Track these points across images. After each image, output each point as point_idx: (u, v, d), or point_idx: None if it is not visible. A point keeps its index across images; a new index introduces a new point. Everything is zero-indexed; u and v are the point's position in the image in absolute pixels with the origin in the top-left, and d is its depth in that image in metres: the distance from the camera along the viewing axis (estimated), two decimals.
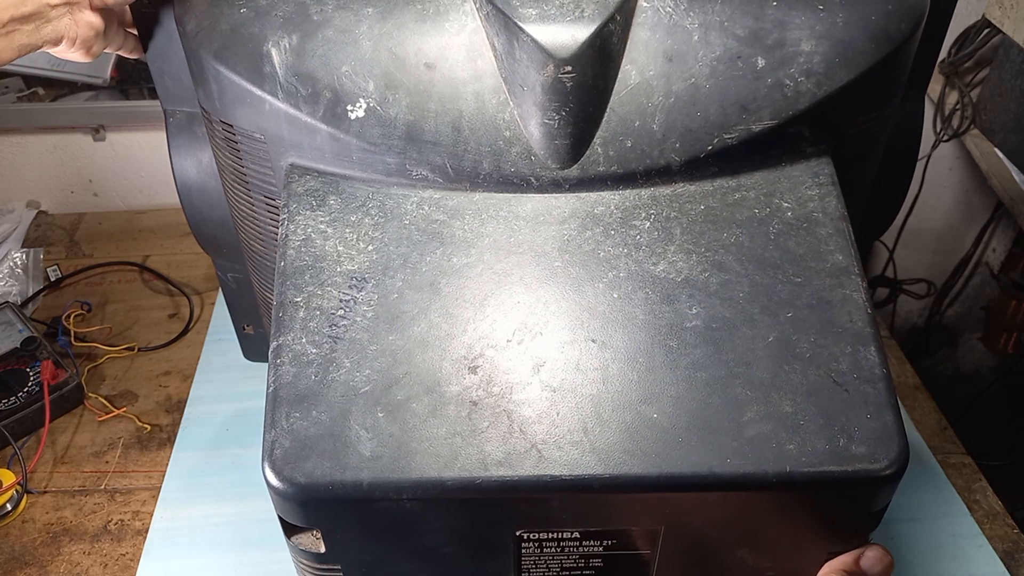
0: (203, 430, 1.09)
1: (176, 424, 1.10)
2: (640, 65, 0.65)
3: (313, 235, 0.63)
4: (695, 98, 0.65)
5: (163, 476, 1.02)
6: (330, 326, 0.56)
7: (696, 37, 0.66)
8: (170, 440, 1.09)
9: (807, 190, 0.66)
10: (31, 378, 1.13)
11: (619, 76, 0.65)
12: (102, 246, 1.47)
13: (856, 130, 0.71)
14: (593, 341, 0.55)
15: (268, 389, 0.54)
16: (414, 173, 0.66)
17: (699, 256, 0.61)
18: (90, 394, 1.17)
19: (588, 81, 0.63)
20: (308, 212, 0.65)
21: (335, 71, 0.65)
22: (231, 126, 0.71)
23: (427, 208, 0.65)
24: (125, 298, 1.35)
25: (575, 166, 0.65)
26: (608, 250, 0.62)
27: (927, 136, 1.57)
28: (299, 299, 0.58)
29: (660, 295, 0.58)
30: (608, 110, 0.65)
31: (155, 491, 1.00)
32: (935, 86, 1.55)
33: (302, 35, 0.66)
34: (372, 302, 0.58)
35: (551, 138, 0.64)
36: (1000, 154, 1.43)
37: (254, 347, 1.05)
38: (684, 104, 0.65)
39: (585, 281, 0.60)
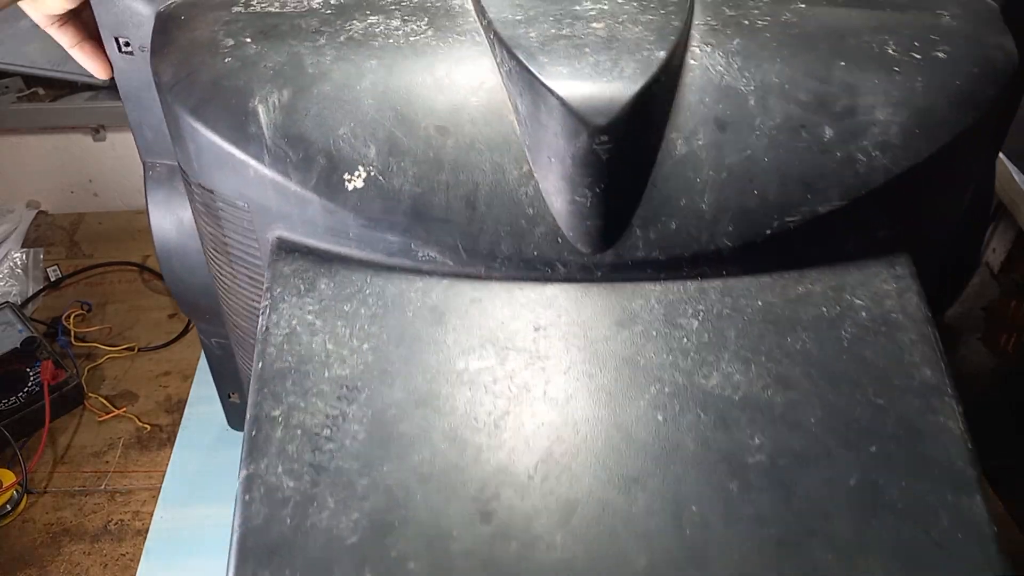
0: (203, 430, 1.08)
1: (176, 424, 1.11)
2: (687, 133, 0.56)
3: (299, 328, 0.53)
4: (751, 173, 0.55)
5: (163, 476, 1.02)
6: (313, 451, 0.46)
7: (752, 102, 0.56)
8: (170, 440, 1.08)
9: (883, 284, 0.56)
10: (31, 378, 1.13)
11: (663, 146, 0.56)
12: (102, 246, 1.49)
13: (936, 209, 0.61)
14: (635, 481, 0.45)
15: (232, 533, 0.44)
16: (420, 255, 0.56)
17: (759, 367, 0.51)
18: (90, 394, 1.16)
19: (627, 152, 0.54)
20: (294, 299, 0.55)
21: (331, 133, 0.56)
22: (211, 191, 0.62)
23: (434, 297, 0.55)
24: (125, 298, 1.35)
25: (610, 251, 0.55)
26: (650, 356, 0.52)
27: None
28: (277, 413, 0.48)
29: (714, 418, 0.48)
30: (649, 186, 0.55)
31: (155, 491, 1.00)
32: None
33: (295, 90, 0.57)
34: (365, 419, 0.48)
35: (582, 218, 0.54)
36: (1000, 154, 1.42)
37: (240, 416, 0.96)
38: (738, 180, 0.55)
39: (623, 397, 0.49)
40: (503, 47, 0.56)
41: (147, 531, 0.95)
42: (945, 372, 0.51)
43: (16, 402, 1.10)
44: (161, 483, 1.01)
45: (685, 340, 0.52)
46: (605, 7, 0.60)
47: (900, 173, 0.56)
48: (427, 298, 0.55)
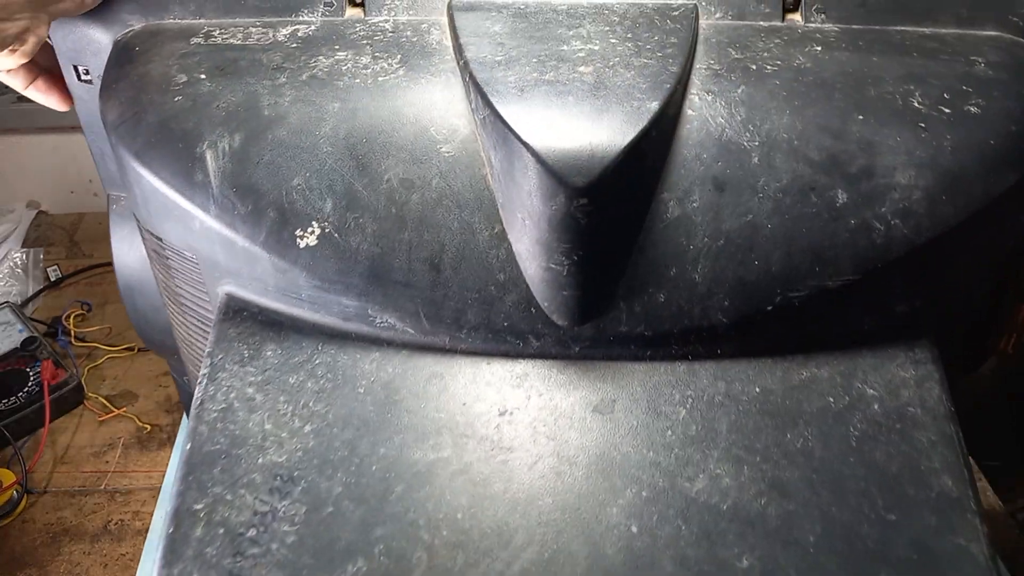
0: None
1: (176, 424, 1.09)
2: (681, 194, 0.50)
3: (236, 404, 0.48)
4: (752, 241, 0.49)
5: (163, 476, 1.01)
6: (234, 555, 0.41)
7: (756, 159, 0.50)
8: (170, 440, 1.07)
9: (899, 370, 0.49)
10: (31, 378, 1.12)
11: (652, 208, 0.49)
12: (102, 246, 1.48)
13: (965, 284, 0.54)
14: None
15: None
16: (378, 321, 0.50)
17: (752, 469, 0.44)
18: (90, 394, 1.15)
19: (610, 216, 0.48)
20: (236, 367, 0.49)
21: (284, 184, 0.50)
22: (159, 239, 0.57)
23: (390, 371, 0.49)
24: None
25: (588, 325, 0.49)
26: (628, 451, 0.45)
27: None
28: (200, 507, 0.43)
29: (697, 531, 0.42)
30: (635, 253, 0.49)
31: (155, 491, 0.99)
32: None
33: (247, 135, 0.51)
34: (297, 518, 0.42)
35: (558, 287, 0.48)
36: None
37: None
38: (737, 248, 0.49)
39: (593, 501, 0.43)
40: (478, 92, 0.50)
41: (147, 531, 0.93)
42: (968, 482, 0.44)
43: (16, 402, 1.10)
44: (161, 483, 1.00)
45: (669, 433, 0.46)
46: (596, 48, 0.54)
47: (923, 244, 0.50)
48: (382, 371, 0.49)
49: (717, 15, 0.60)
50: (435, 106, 0.53)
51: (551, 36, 0.55)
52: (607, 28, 0.56)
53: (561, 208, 0.47)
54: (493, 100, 0.49)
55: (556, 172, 0.46)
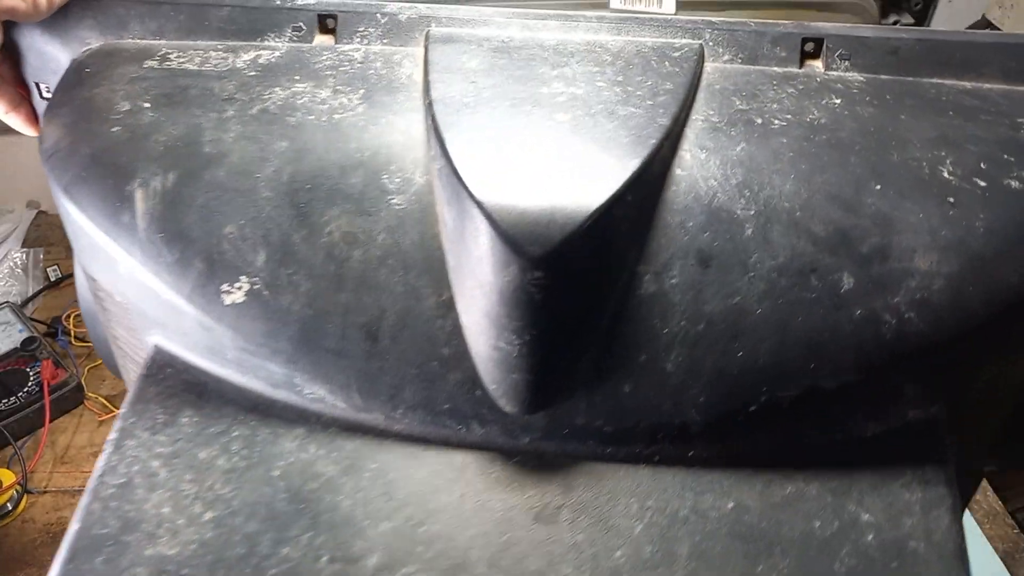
0: None
1: None
2: (659, 267, 0.43)
3: (138, 480, 0.42)
4: (738, 328, 0.42)
5: None
6: None
7: (750, 231, 0.43)
8: None
9: (904, 491, 0.42)
10: (31, 378, 1.13)
11: (624, 282, 0.43)
12: None
13: (990, 387, 0.46)
14: None
15: None
16: (306, 391, 0.45)
17: None
18: (90, 394, 1.16)
19: (571, 291, 0.41)
20: (146, 434, 0.44)
21: (215, 231, 0.45)
22: (92, 278, 0.52)
23: (312, 452, 0.44)
24: None
25: (540, 413, 0.43)
26: (568, 572, 0.39)
27: None
28: None
29: None
30: (600, 334, 0.42)
31: None
32: None
33: (182, 174, 0.47)
34: None
35: (507, 369, 0.42)
36: None
37: None
38: (720, 335, 0.42)
39: None
40: (437, 137, 0.45)
41: None
42: None
43: (16, 402, 1.10)
44: None
45: (619, 554, 0.39)
46: (579, 91, 0.48)
47: (942, 341, 0.42)
48: (303, 452, 0.44)
49: (725, 57, 0.53)
50: (391, 151, 0.47)
51: (532, 76, 0.49)
52: (596, 69, 0.50)
53: (514, 280, 0.40)
54: (449, 148, 0.43)
55: (509, 238, 0.40)
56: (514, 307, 0.41)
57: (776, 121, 0.48)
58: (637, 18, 0.54)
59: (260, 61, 0.53)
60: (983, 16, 1.36)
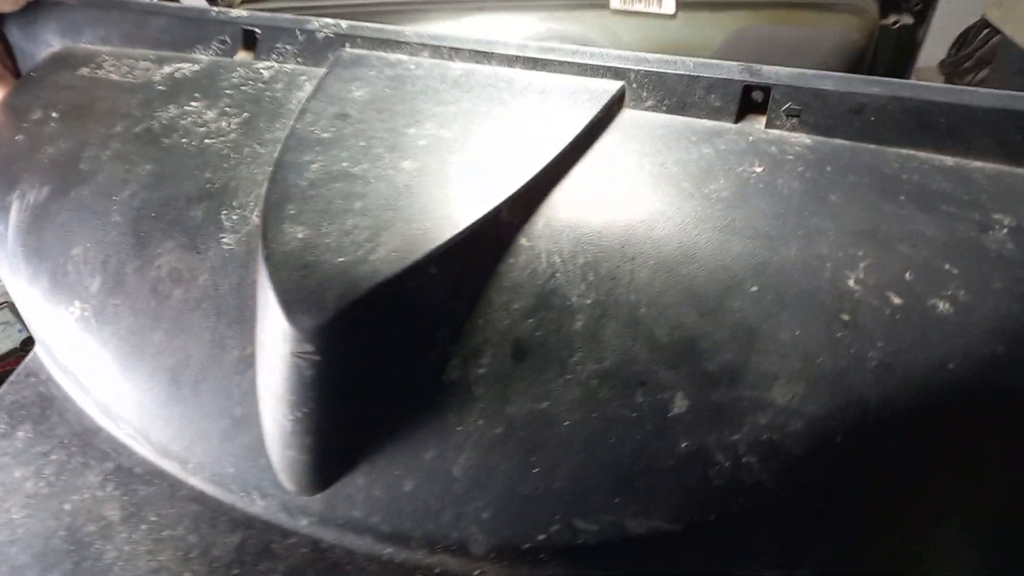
0: None
1: None
2: (468, 353, 0.37)
3: None
4: (539, 438, 0.35)
5: None
6: None
7: (580, 324, 0.36)
8: None
9: None
10: None
11: (422, 364, 0.37)
12: None
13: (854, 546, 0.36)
14: None
15: None
16: (121, 425, 0.44)
17: None
18: None
19: (349, 370, 0.36)
20: None
21: (64, 252, 0.45)
22: None
23: (108, 491, 0.42)
24: None
25: (319, 497, 0.39)
26: None
27: None
28: None
29: None
30: (385, 421, 0.37)
31: None
32: None
33: (55, 188, 0.47)
34: None
35: (283, 443, 0.38)
36: None
37: None
38: (516, 444, 0.36)
39: None
40: (270, 178, 0.41)
41: None
42: None
43: None
44: None
45: None
46: (448, 134, 0.42)
47: (786, 499, 0.33)
48: (100, 489, 0.42)
49: (648, 103, 0.45)
50: (240, 184, 0.44)
51: (410, 111, 0.44)
52: (484, 109, 0.44)
53: (289, 351, 0.36)
54: (268, 192, 0.40)
55: (284, 305, 0.36)
56: (288, 379, 0.37)
57: (665, 189, 0.39)
58: (567, 52, 0.47)
59: (176, 75, 0.52)
60: (983, 16, 1.31)
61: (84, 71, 0.54)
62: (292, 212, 0.38)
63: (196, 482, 0.41)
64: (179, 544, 0.40)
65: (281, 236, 0.37)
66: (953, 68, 1.56)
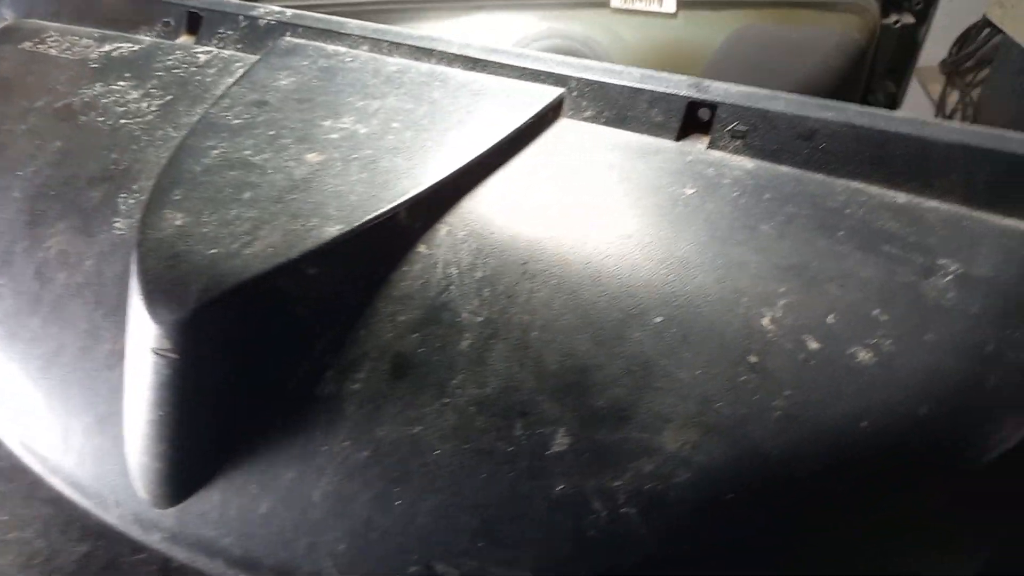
0: None
1: None
2: (345, 363, 0.34)
3: None
4: (406, 467, 0.32)
5: None
6: None
7: (467, 343, 0.32)
8: None
9: None
10: None
11: (299, 370, 0.34)
12: None
13: None
14: None
15: None
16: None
17: None
18: None
19: (210, 373, 0.33)
20: None
21: None
22: None
23: None
24: None
25: (174, 509, 0.35)
26: None
27: None
28: None
29: None
30: (246, 435, 0.34)
31: None
32: (935, 86, 1.52)
33: None
34: None
35: (140, 449, 0.35)
36: None
37: None
38: (381, 472, 0.32)
39: None
40: (168, 162, 0.38)
41: None
42: None
43: None
44: None
45: None
46: (364, 130, 0.39)
47: (664, 558, 0.29)
48: None
49: (588, 112, 0.41)
50: (144, 167, 0.41)
51: (332, 103, 0.41)
52: (411, 106, 0.41)
53: (148, 345, 0.33)
54: (160, 176, 0.37)
55: (146, 294, 0.33)
56: (146, 378, 0.33)
57: (584, 206, 0.36)
58: (510, 55, 0.44)
59: (114, 54, 0.50)
60: (984, 16, 1.32)
61: (27, 45, 0.52)
62: (177, 198, 0.35)
63: (55, 483, 0.38)
64: (23, 548, 0.36)
65: (158, 222, 0.34)
66: (954, 67, 1.56)
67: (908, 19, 0.76)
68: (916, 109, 1.56)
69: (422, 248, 0.35)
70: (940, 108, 1.59)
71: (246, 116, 0.41)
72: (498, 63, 0.43)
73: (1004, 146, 0.34)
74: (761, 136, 0.38)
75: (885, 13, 0.75)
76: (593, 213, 0.35)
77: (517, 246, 0.34)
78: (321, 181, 0.36)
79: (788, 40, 0.68)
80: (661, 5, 0.65)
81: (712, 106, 0.39)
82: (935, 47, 1.51)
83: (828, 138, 0.37)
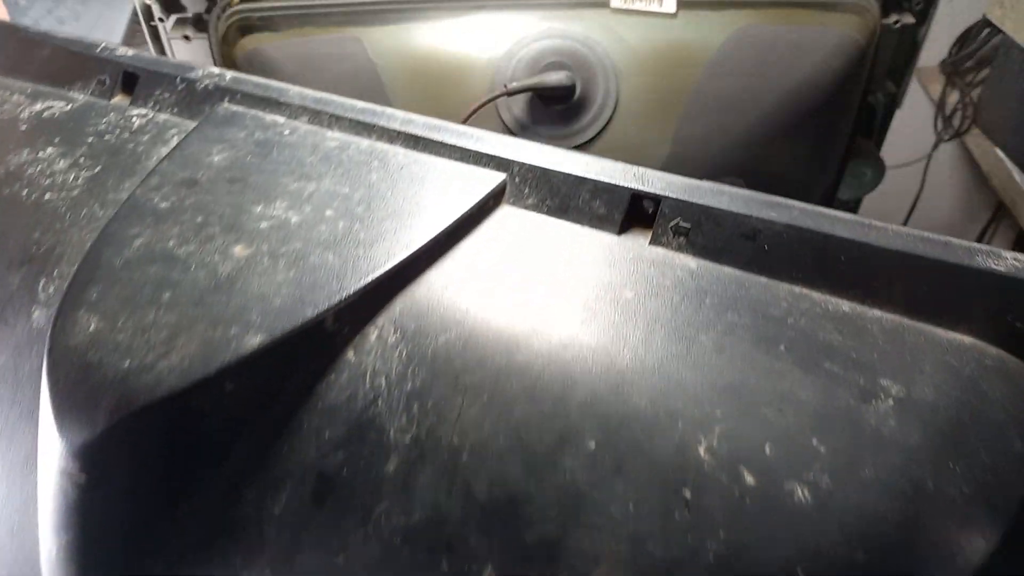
0: None
1: None
2: (264, 485, 0.32)
3: None
4: None
5: None
6: None
7: (394, 465, 0.31)
8: None
9: None
10: None
11: (213, 494, 0.32)
12: None
13: None
14: None
15: None
16: None
17: None
18: None
19: (117, 499, 0.32)
20: None
21: None
22: None
23: None
24: None
25: None
26: None
27: (928, 136, 1.58)
28: None
29: None
30: (162, 563, 0.32)
31: None
32: (936, 86, 1.54)
33: None
34: None
35: (48, 571, 0.33)
36: (1000, 154, 1.43)
37: None
38: None
39: None
40: (88, 252, 0.37)
41: None
42: None
43: None
44: None
45: None
46: (296, 218, 0.38)
47: None
48: None
49: (530, 200, 0.40)
50: (66, 250, 0.39)
51: (265, 185, 0.40)
52: (347, 190, 0.39)
53: (55, 464, 0.31)
54: (78, 269, 0.35)
55: (53, 410, 0.31)
56: (55, 498, 0.32)
57: (521, 309, 0.35)
58: (453, 133, 0.42)
59: (44, 114, 0.48)
60: (984, 16, 1.34)
61: None
62: (94, 297, 0.34)
63: None
64: None
65: (72, 326, 0.33)
66: (954, 67, 1.56)
67: (908, 19, 0.77)
68: (916, 109, 1.57)
69: (350, 355, 0.34)
70: (940, 108, 1.60)
71: (174, 198, 0.39)
72: (440, 142, 0.42)
73: (947, 256, 0.33)
74: (704, 233, 0.37)
75: (885, 13, 0.76)
76: (530, 318, 0.34)
77: (450, 354, 0.33)
78: (246, 280, 0.34)
79: (788, 40, 0.68)
80: (661, 5, 0.65)
81: (656, 199, 0.38)
82: (935, 47, 1.50)
83: (770, 239, 0.36)
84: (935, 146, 1.64)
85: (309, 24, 0.73)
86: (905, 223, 1.70)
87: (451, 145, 0.42)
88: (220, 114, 0.45)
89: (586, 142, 0.70)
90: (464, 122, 0.62)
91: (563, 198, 0.39)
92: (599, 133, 0.69)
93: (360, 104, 0.45)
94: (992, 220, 1.78)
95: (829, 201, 0.79)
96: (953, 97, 1.59)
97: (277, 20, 0.74)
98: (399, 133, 0.43)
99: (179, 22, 0.82)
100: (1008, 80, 1.43)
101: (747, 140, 0.68)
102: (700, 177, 0.34)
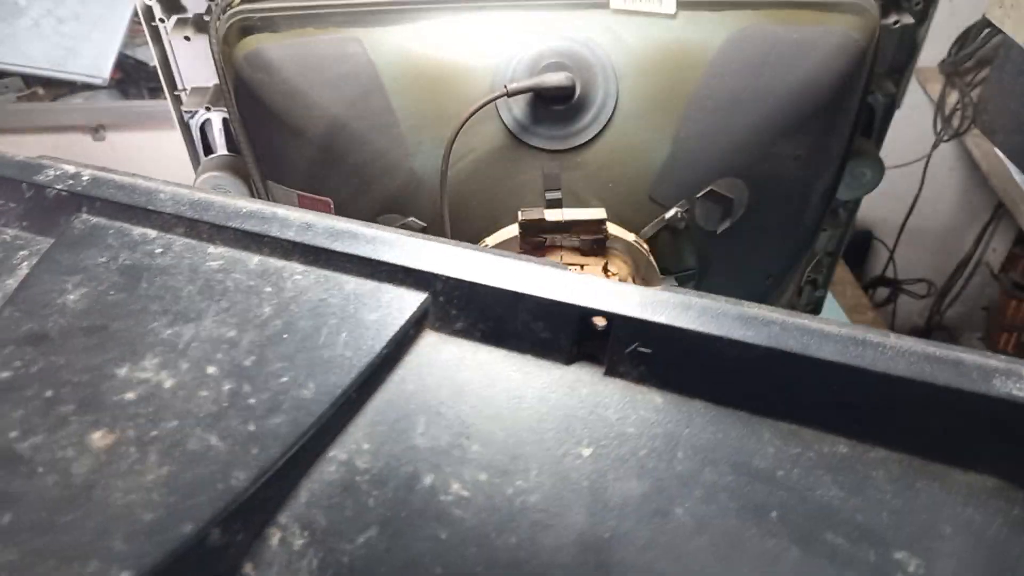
0: None
1: None
2: None
3: None
4: None
5: None
6: None
7: None
8: None
9: None
10: None
11: None
12: None
13: None
14: None
15: None
16: None
17: None
18: None
19: None
20: None
21: None
22: None
23: None
24: None
25: None
26: None
27: (927, 136, 1.58)
28: None
29: None
30: None
31: None
32: (935, 86, 1.54)
33: None
34: None
35: None
36: (1000, 154, 1.44)
37: None
38: None
39: None
40: None
41: None
42: None
43: None
44: None
45: None
46: (170, 382, 0.30)
47: None
48: None
49: (458, 324, 0.33)
50: None
51: (131, 335, 0.32)
52: (233, 333, 0.32)
53: None
54: None
55: None
56: None
57: (456, 477, 0.28)
58: (359, 242, 0.35)
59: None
60: (984, 16, 1.33)
61: None
62: None
63: None
64: None
65: None
66: (954, 67, 1.56)
67: (908, 19, 0.76)
68: (916, 109, 1.56)
69: (248, 569, 0.27)
70: (940, 108, 1.60)
71: (17, 363, 0.31)
72: (345, 254, 0.35)
73: (959, 382, 0.28)
74: (668, 361, 0.31)
75: (885, 13, 0.74)
76: (471, 504, 0.28)
77: (370, 562, 0.27)
78: (107, 486, 0.27)
79: (788, 41, 0.66)
80: (661, 5, 0.64)
81: (608, 317, 0.32)
82: (935, 47, 1.51)
83: (748, 365, 0.30)
84: (934, 146, 1.65)
85: (309, 24, 0.70)
86: (904, 223, 1.70)
87: (359, 257, 0.35)
88: (76, 231, 0.37)
89: (586, 142, 0.67)
90: (464, 122, 0.60)
91: (497, 321, 0.33)
92: (599, 133, 0.67)
93: (246, 206, 0.37)
94: (991, 220, 1.79)
95: (829, 201, 0.77)
96: (952, 97, 1.59)
97: (277, 21, 0.70)
98: (295, 245, 0.35)
99: (180, 23, 0.79)
100: (1008, 80, 1.43)
101: (747, 140, 0.66)
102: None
